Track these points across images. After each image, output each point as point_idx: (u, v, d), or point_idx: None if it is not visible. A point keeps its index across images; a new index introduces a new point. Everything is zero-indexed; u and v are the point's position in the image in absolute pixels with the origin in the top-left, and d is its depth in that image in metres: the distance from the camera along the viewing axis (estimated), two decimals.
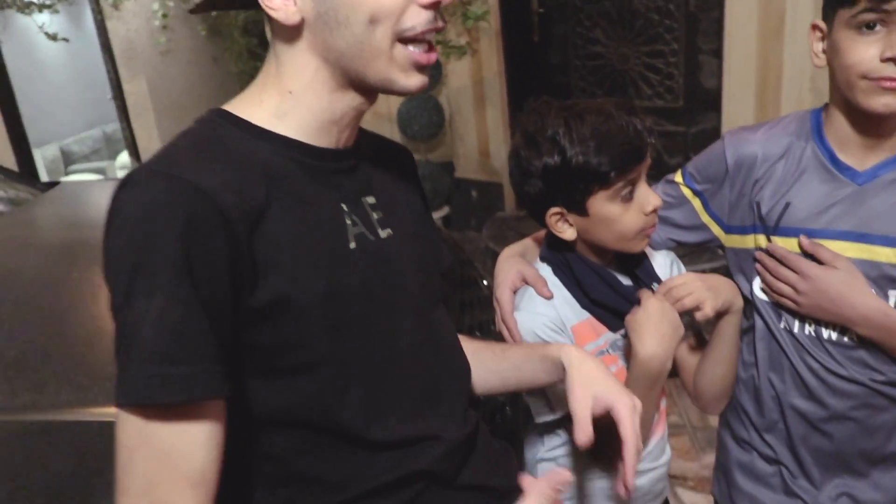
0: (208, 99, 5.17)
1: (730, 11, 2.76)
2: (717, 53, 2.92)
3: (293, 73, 0.70)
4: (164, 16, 4.34)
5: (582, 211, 1.00)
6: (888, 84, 0.89)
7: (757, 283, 1.09)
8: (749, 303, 1.10)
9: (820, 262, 0.99)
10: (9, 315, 1.20)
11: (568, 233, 1.03)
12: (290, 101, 0.71)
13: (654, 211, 1.01)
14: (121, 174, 6.31)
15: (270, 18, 0.68)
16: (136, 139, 4.64)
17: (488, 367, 0.92)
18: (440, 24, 0.68)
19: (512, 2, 3.45)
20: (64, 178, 6.16)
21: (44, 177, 5.64)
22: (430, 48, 0.70)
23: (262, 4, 0.66)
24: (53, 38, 3.61)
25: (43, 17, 3.74)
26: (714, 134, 3.02)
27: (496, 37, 3.50)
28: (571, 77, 3.47)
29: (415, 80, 0.70)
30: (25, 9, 3.50)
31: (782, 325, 1.06)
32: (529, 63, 3.57)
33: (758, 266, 1.07)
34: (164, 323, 0.59)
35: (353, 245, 0.72)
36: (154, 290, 0.59)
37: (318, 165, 0.72)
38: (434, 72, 3.44)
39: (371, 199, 0.77)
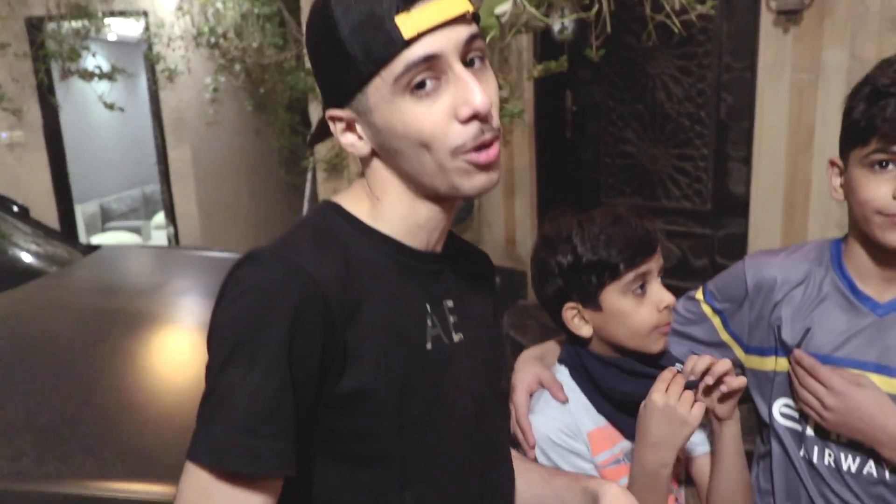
0: (247, 169, 5.36)
1: (760, 123, 2.83)
2: (747, 161, 2.97)
3: (379, 185, 0.75)
4: (215, 90, 4.57)
5: (596, 305, 1.04)
6: None
7: (777, 407, 1.08)
8: (766, 426, 1.10)
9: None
10: (43, 381, 1.23)
11: (584, 329, 1.07)
12: (380, 207, 0.76)
13: (668, 308, 1.03)
14: (155, 234, 6.47)
15: None
16: (173, 202, 4.79)
17: (533, 489, 0.92)
18: (487, 136, 0.69)
19: (547, 99, 3.58)
20: (101, 235, 6.34)
21: (82, 231, 5.81)
22: (489, 146, 0.70)
23: (341, 142, 0.73)
24: (111, 107, 3.80)
25: (102, 86, 3.95)
26: (741, 239, 3.04)
27: (530, 130, 3.61)
28: (601, 174, 3.54)
29: (479, 181, 0.71)
30: (88, 78, 3.70)
31: (801, 454, 1.05)
32: (560, 158, 3.66)
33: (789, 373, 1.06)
34: (258, 396, 0.63)
35: (429, 346, 0.75)
36: (254, 363, 0.63)
37: (411, 265, 0.76)
38: None
39: (450, 303, 0.80)
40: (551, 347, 1.20)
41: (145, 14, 4.29)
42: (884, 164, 0.93)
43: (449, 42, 0.67)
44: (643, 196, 3.39)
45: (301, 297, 0.65)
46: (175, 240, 4.82)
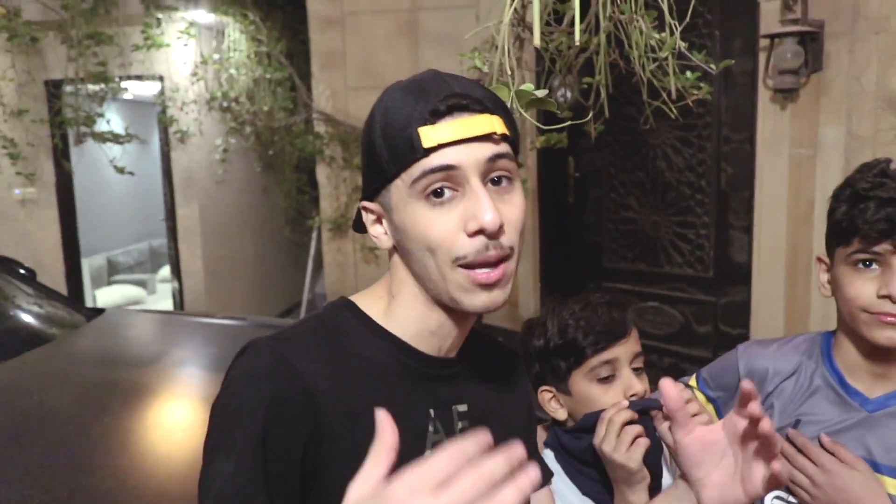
0: (253, 227, 5.42)
1: (760, 193, 2.86)
2: (748, 230, 2.99)
3: (396, 283, 0.78)
4: (225, 150, 4.66)
5: (566, 390, 1.07)
6: (888, 319, 0.94)
7: (768, 499, 1.07)
8: None
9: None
10: (37, 461, 1.23)
11: (559, 413, 1.10)
12: (395, 305, 0.77)
13: (634, 395, 1.04)
14: (160, 287, 6.50)
15: None
16: (180, 258, 4.84)
17: None
18: (491, 253, 0.69)
19: (550, 165, 3.64)
20: (106, 288, 6.37)
21: (88, 285, 5.84)
22: (496, 267, 0.70)
23: (370, 233, 0.77)
24: (121, 171, 3.89)
25: (115, 149, 4.04)
26: (744, 306, 3.04)
27: (533, 195, 3.66)
28: (603, 238, 3.57)
29: (480, 299, 0.71)
30: (101, 140, 3.79)
31: None
32: (563, 222, 3.70)
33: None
34: (226, 490, 0.64)
35: (428, 452, 0.75)
36: (231, 453, 0.66)
37: (419, 370, 0.76)
38: None
39: (462, 407, 0.79)
40: (539, 432, 1.21)
41: (161, 78, 4.42)
42: (867, 262, 0.96)
43: (469, 157, 0.69)
44: (645, 262, 3.41)
45: (280, 389, 0.67)
46: (180, 295, 4.84)
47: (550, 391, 1.11)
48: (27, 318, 2.12)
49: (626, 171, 3.44)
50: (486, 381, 0.84)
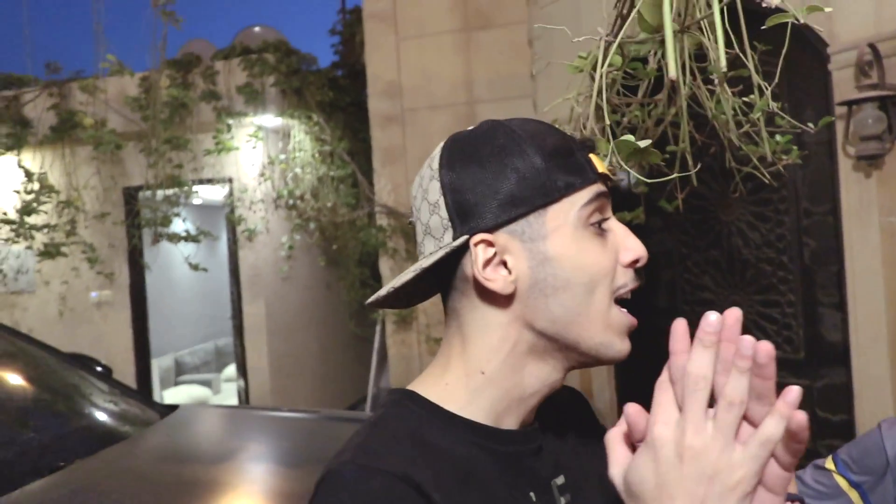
0: (318, 322, 5.44)
1: (851, 267, 2.70)
2: (840, 307, 2.81)
3: (488, 351, 0.66)
4: (291, 247, 4.77)
5: None
6: None
7: None
8: None
9: None
10: None
11: None
12: (479, 381, 0.66)
13: None
14: (225, 386, 6.53)
15: (460, 296, 0.67)
16: (245, 355, 4.86)
17: None
18: (640, 282, 0.69)
19: None
20: (174, 389, 6.43)
21: (157, 384, 5.92)
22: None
23: (478, 276, 0.64)
24: (195, 267, 3.99)
25: (188, 248, 4.17)
26: (844, 389, 2.80)
27: None
28: None
29: (627, 344, 0.69)
30: (175, 240, 3.93)
31: None
32: (637, 306, 3.56)
33: None
34: None
35: None
36: None
37: (509, 452, 0.67)
38: None
39: (560, 480, 0.70)
40: None
41: (230, 180, 4.60)
42: None
43: (609, 194, 0.69)
44: None
45: None
46: (245, 392, 4.83)
47: None
48: (103, 416, 2.11)
49: (699, 251, 3.32)
50: (568, 437, 0.75)
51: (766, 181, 1.52)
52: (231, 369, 6.13)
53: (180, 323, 7.09)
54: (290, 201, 4.60)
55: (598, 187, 0.67)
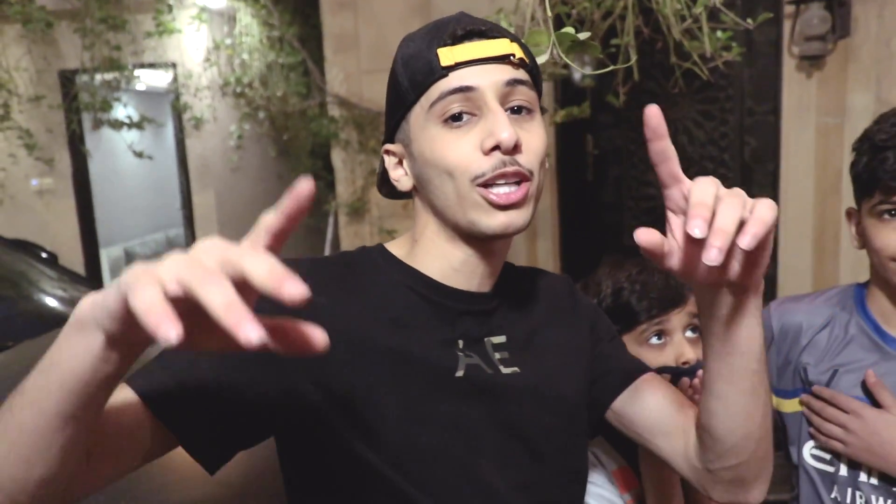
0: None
1: (785, 166, 2.81)
2: None
3: (419, 225, 0.78)
4: (240, 137, 4.66)
5: None
6: None
7: (807, 449, 1.08)
8: (796, 469, 1.10)
9: (876, 404, 0.99)
10: None
11: None
12: (417, 248, 0.78)
13: (687, 363, 1.01)
14: None
15: None
16: None
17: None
18: (509, 168, 0.69)
19: (568, 142, 3.59)
20: None
21: (107, 275, 5.87)
22: (517, 186, 0.70)
23: (392, 177, 0.78)
24: (140, 155, 3.89)
25: (132, 136, 4.04)
26: (770, 281, 2.99)
27: (552, 173, 3.62)
28: (623, 216, 3.53)
29: (496, 220, 0.70)
30: (118, 127, 3.80)
31: (832, 496, 1.04)
32: (583, 200, 3.66)
33: (805, 410, 1.07)
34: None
35: (459, 373, 0.73)
36: None
37: (447, 305, 0.75)
38: None
39: (499, 339, 0.77)
40: None
41: (174, 65, 4.40)
42: (892, 212, 0.96)
43: (486, 79, 0.70)
44: None
45: None
46: None
47: None
48: (52, 301, 2.12)
49: (645, 148, 3.37)
50: (532, 310, 0.83)
51: (706, 78, 1.55)
52: None
53: (128, 213, 6.95)
54: (238, 89, 4.44)
55: (447, 83, 0.69)
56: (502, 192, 0.69)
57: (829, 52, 2.53)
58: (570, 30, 0.91)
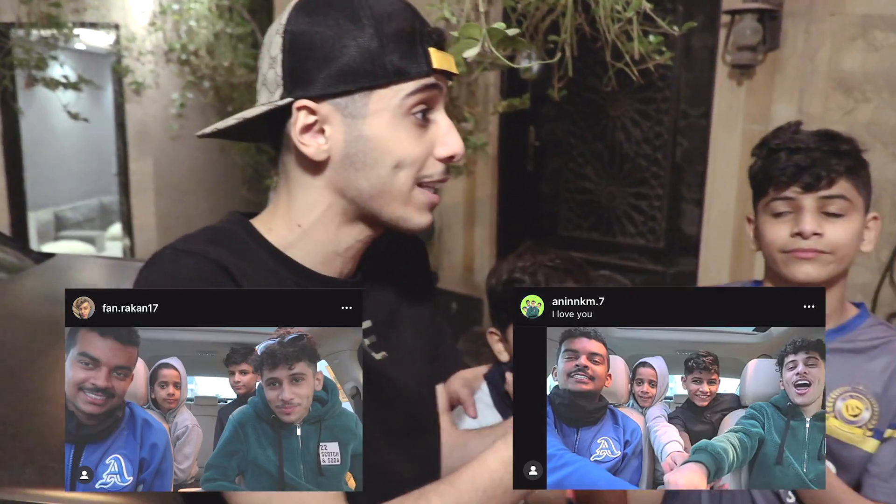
0: (209, 184, 5.31)
1: (712, 168, 2.95)
2: (699, 203, 3.09)
3: (305, 208, 0.74)
4: (182, 105, 4.55)
5: (507, 337, 1.11)
6: (801, 255, 1.03)
7: None
8: None
9: None
10: None
11: (502, 356, 1.15)
12: (297, 233, 0.74)
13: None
14: (110, 245, 6.34)
15: (288, 152, 0.73)
16: (132, 214, 4.72)
17: (453, 456, 0.91)
18: (446, 178, 0.75)
19: (510, 133, 3.67)
20: (53, 244, 6.18)
21: (34, 239, 5.66)
22: (436, 191, 0.75)
23: (294, 140, 0.69)
24: (75, 116, 3.75)
25: (68, 96, 3.90)
26: (691, 277, 3.14)
27: (493, 162, 3.69)
28: (560, 207, 3.63)
29: (426, 218, 0.75)
30: (53, 86, 3.66)
31: None
32: (522, 190, 3.74)
33: None
34: None
35: None
36: None
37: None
38: None
39: (366, 324, 0.78)
40: (484, 368, 1.25)
41: (117, 27, 4.27)
42: (783, 213, 1.05)
43: (444, 88, 0.74)
44: (599, 231, 3.49)
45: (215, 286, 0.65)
46: (131, 252, 4.74)
47: (496, 333, 1.14)
48: None
49: (585, 142, 3.49)
50: (388, 285, 0.84)
51: (635, 80, 1.63)
52: (116, 228, 5.93)
53: (61, 176, 6.70)
54: (183, 56, 4.35)
55: (428, 80, 0.70)
56: (433, 195, 0.74)
57: (758, 62, 2.66)
58: (500, 25, 0.96)
